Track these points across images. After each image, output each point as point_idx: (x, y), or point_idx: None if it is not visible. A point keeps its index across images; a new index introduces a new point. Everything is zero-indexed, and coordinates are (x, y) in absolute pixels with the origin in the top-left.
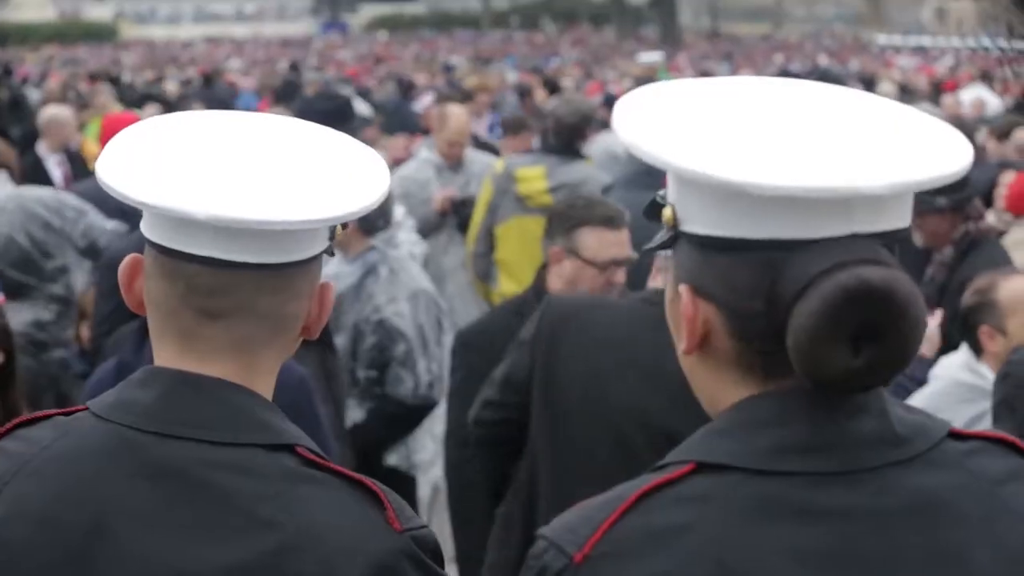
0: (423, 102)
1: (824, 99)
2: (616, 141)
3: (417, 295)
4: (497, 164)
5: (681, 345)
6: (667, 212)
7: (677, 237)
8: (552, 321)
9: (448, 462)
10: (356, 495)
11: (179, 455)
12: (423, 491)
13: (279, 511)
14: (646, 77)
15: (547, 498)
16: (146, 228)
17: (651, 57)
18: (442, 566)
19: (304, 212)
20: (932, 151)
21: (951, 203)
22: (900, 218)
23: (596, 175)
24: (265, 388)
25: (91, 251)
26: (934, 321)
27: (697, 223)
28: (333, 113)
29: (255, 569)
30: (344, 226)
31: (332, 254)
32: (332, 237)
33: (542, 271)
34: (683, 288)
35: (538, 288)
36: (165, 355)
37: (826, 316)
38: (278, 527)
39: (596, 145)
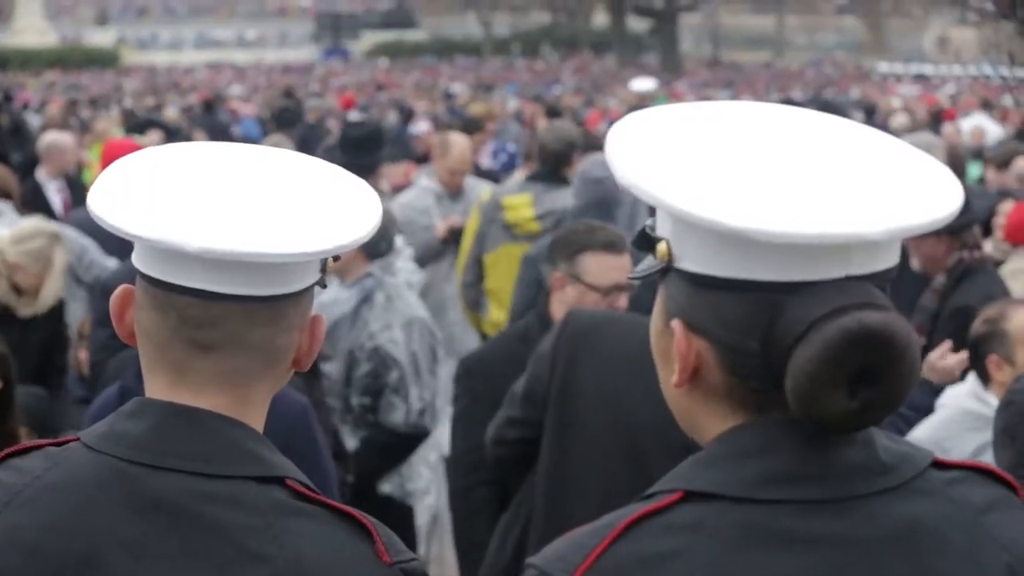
0: (419, 127)
1: (816, 132)
2: (588, 166)
3: (412, 323)
4: (483, 193)
5: (672, 378)
6: (662, 248)
7: (668, 271)
8: (572, 335)
9: (453, 489)
10: (346, 528)
11: (170, 487)
12: (421, 519)
13: (269, 544)
14: (640, 105)
15: (546, 511)
16: (137, 259)
17: (644, 84)
18: None
19: (296, 245)
20: (925, 192)
21: (948, 227)
22: (891, 258)
23: None
24: (257, 420)
25: (95, 286)
26: (943, 351)
27: (692, 261)
28: (366, 140)
29: None
30: (336, 258)
31: (324, 286)
32: (323, 269)
33: (545, 297)
34: (676, 323)
35: (541, 314)
36: (157, 387)
37: (827, 360)
38: (268, 560)
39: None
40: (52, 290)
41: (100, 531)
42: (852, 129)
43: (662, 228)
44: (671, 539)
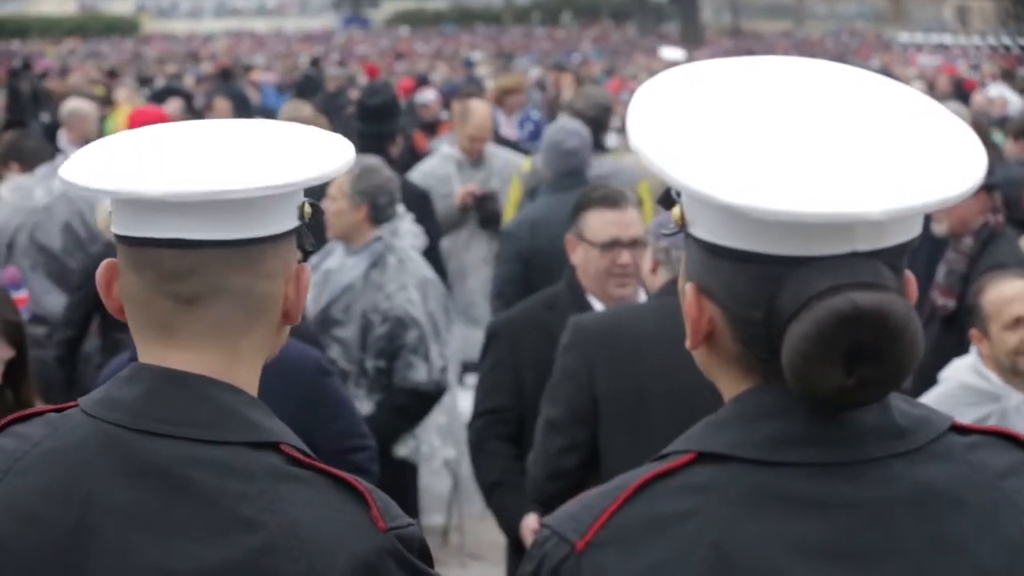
0: (426, 96)
1: (840, 92)
2: (558, 136)
3: (425, 283)
4: (524, 163)
5: (687, 340)
6: (676, 212)
7: (687, 233)
8: (593, 342)
9: (470, 443)
10: (340, 494)
11: (163, 453)
12: (440, 484)
13: (262, 511)
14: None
15: None
16: (112, 225)
17: (674, 54)
18: (430, 564)
19: (259, 179)
20: (943, 165)
21: (985, 184)
22: (907, 232)
23: (626, 167)
24: (248, 380)
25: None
26: None
27: (702, 229)
28: (382, 108)
29: (237, 569)
30: (315, 210)
31: (309, 249)
32: (302, 217)
33: (570, 267)
34: (689, 286)
35: (569, 281)
36: (147, 350)
37: (818, 340)
38: (261, 527)
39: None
40: None
41: (92, 497)
42: (882, 87)
43: (680, 195)
44: (682, 500)
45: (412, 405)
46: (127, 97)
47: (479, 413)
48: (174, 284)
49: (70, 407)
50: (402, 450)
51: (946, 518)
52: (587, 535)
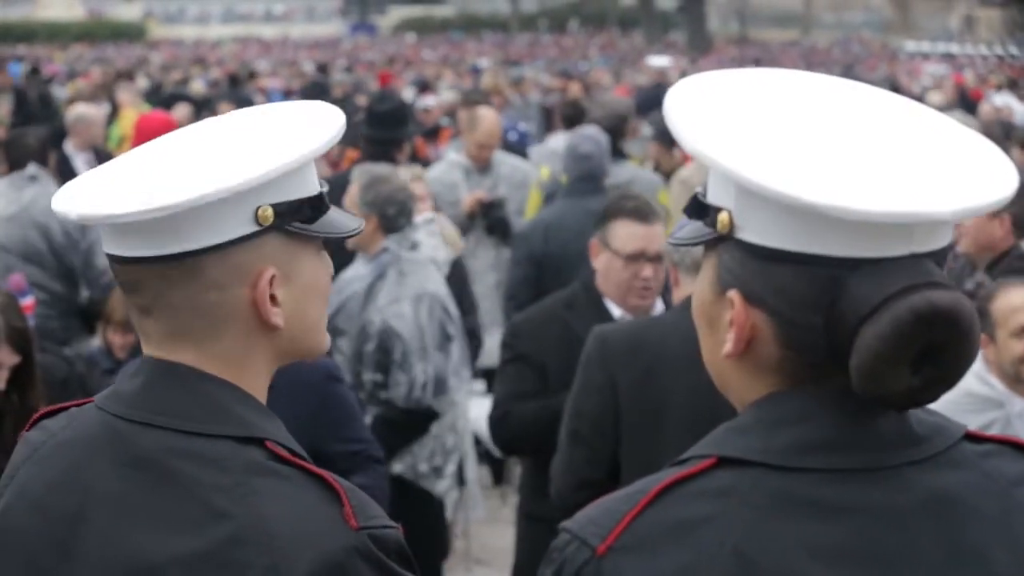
0: (427, 101)
1: (870, 105)
2: (576, 140)
3: (422, 297)
4: (543, 171)
5: (723, 347)
6: (723, 217)
7: (721, 240)
8: (613, 353)
9: (494, 422)
10: (316, 490)
11: (153, 443)
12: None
13: (233, 503)
14: (654, 83)
15: None
16: None
17: (660, 61)
18: (410, 567)
19: (159, 199)
20: (983, 171)
21: (1009, 209)
22: (949, 236)
23: (644, 174)
24: (239, 376)
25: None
26: None
27: (755, 232)
28: (391, 115)
29: (206, 558)
30: (280, 208)
31: (330, 239)
32: (258, 222)
33: (589, 269)
34: (734, 294)
35: (586, 282)
36: (143, 346)
37: (897, 338)
38: (230, 518)
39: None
40: None
41: (90, 487)
42: (903, 104)
43: (721, 197)
44: (703, 505)
45: (406, 422)
46: (130, 101)
47: (502, 399)
48: (131, 295)
49: (90, 401)
50: (397, 467)
51: (963, 525)
52: (608, 539)
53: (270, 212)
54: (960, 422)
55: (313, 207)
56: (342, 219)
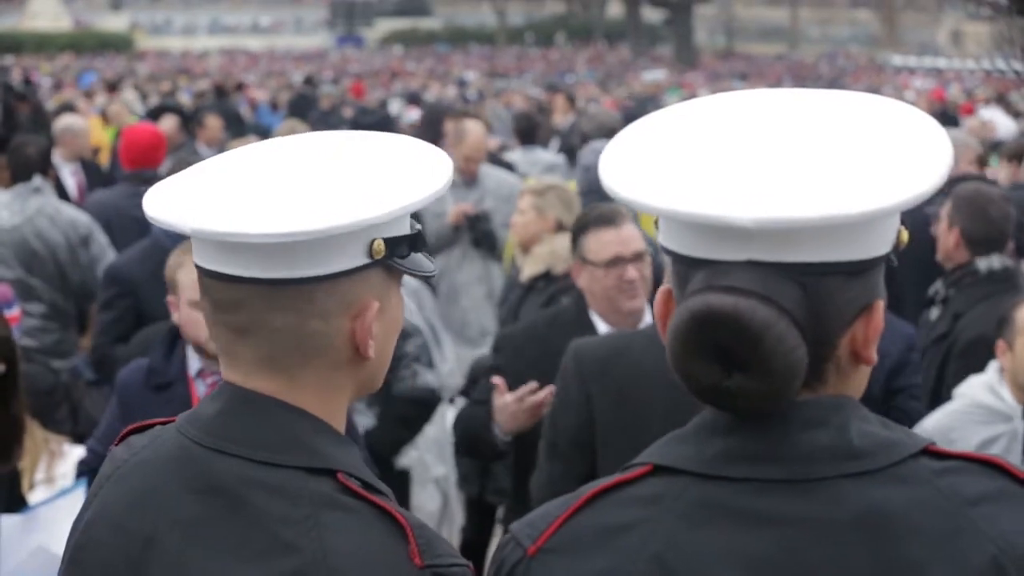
0: (412, 115)
1: (800, 112)
2: (587, 153)
3: (419, 292)
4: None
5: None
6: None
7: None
8: (590, 369)
9: (455, 435)
10: (383, 526)
11: (226, 471)
12: (430, 502)
13: (300, 536)
14: (648, 94)
15: None
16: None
17: (655, 75)
18: None
19: (290, 225)
20: (877, 178)
21: (958, 224)
22: (833, 251)
23: None
24: (319, 409)
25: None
26: None
27: (662, 235)
28: (376, 127)
29: None
30: (388, 243)
31: (421, 275)
32: (371, 255)
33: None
34: (663, 287)
35: (577, 300)
36: (222, 368)
37: (679, 335)
38: (297, 551)
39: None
40: None
41: (163, 511)
42: (844, 105)
43: None
44: (631, 511)
45: (414, 414)
46: (118, 113)
47: (465, 407)
48: (226, 314)
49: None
50: (404, 460)
51: (898, 541)
52: (539, 541)
53: (383, 246)
54: (965, 432)
55: (411, 244)
56: (424, 259)
